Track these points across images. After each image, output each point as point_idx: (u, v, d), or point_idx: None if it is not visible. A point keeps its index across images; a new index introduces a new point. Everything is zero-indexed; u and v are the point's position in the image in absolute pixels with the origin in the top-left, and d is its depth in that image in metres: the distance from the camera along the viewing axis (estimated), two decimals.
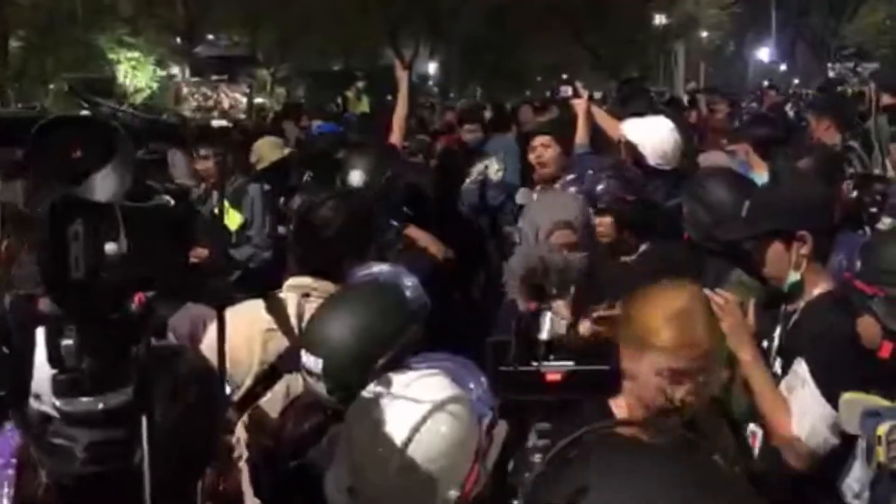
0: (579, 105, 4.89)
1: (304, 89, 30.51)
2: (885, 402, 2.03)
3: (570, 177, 4.25)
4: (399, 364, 1.84)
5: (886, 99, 6.54)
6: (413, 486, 1.59)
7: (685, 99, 15.07)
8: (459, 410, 1.64)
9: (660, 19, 29.86)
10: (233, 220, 4.85)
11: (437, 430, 1.59)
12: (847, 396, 2.12)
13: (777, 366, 2.46)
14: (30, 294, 1.19)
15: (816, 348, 2.28)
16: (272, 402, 2.30)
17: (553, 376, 2.01)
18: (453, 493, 1.60)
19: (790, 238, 2.42)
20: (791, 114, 10.19)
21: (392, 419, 1.60)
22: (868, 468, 2.00)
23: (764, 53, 39.51)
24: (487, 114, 10.57)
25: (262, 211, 5.10)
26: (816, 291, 2.43)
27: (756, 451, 2.43)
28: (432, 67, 32.28)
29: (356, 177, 3.47)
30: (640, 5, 28.54)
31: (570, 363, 1.98)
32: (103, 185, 1.14)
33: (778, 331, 2.53)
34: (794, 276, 2.45)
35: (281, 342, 2.37)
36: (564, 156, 4.47)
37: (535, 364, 1.95)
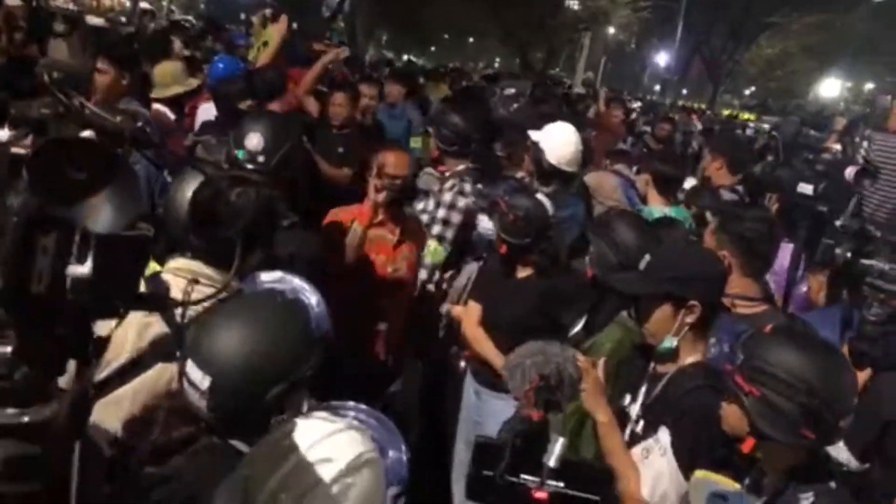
0: None
1: None
2: (734, 486, 2.13)
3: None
4: (293, 396, 1.75)
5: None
6: None
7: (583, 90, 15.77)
8: (369, 476, 1.50)
9: (572, 5, 30.13)
10: None
11: (343, 493, 1.46)
12: (699, 474, 2.21)
13: (639, 427, 2.52)
14: None
15: (681, 423, 2.34)
16: (139, 391, 2.16)
17: (540, 495, 1.99)
18: None
19: (680, 304, 2.47)
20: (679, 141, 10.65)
21: (298, 474, 1.45)
22: None
23: (662, 59, 40.58)
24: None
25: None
26: (689, 360, 2.48)
27: None
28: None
29: (254, 141, 3.29)
30: None
31: (561, 484, 1.98)
32: (100, 211, 1.12)
33: (644, 389, 2.57)
34: (669, 342, 2.49)
35: (159, 329, 2.17)
36: None
37: (524, 478, 1.91)
